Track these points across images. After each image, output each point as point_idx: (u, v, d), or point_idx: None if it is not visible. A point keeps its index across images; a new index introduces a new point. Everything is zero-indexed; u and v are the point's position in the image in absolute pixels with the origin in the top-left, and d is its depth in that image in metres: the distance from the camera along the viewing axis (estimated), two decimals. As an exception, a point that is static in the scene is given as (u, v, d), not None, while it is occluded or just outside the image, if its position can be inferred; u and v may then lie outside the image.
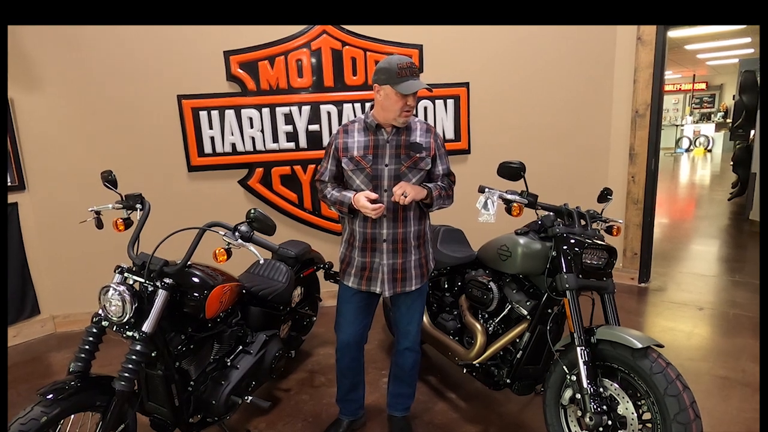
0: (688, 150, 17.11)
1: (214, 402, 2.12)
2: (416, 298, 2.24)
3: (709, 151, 16.69)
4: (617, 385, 1.89)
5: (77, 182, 3.64)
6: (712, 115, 18.39)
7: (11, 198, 3.55)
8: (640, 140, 4.15)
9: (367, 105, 2.18)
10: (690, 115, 18.38)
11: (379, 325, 3.49)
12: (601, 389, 1.89)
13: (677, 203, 8.31)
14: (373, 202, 2.00)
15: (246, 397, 2.21)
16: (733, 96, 8.74)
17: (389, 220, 2.09)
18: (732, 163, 8.05)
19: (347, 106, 3.81)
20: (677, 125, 17.84)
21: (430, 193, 2.07)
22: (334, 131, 2.19)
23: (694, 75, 17.96)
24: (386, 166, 2.06)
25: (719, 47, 12.22)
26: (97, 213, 2.18)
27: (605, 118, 4.24)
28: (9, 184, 3.52)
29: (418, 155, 2.09)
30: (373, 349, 3.25)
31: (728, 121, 16.60)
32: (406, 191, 1.96)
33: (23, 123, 3.54)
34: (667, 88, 7.60)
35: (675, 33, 9.70)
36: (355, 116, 3.74)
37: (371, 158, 2.07)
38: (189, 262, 1.99)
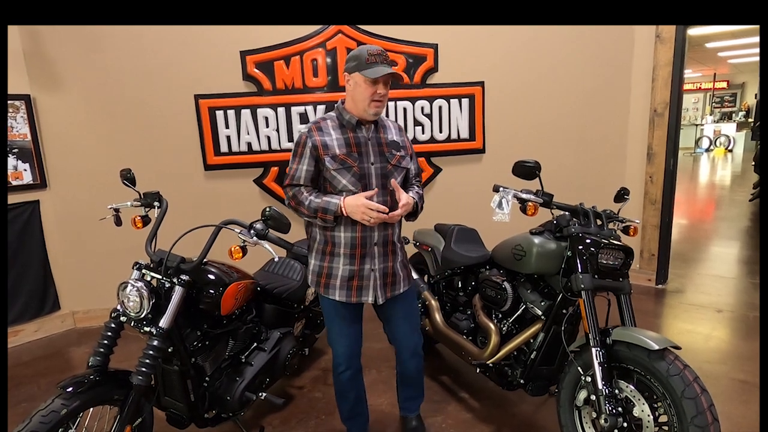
0: (708, 150, 16.82)
1: (228, 398, 2.15)
2: (410, 303, 2.17)
3: (730, 151, 16.37)
4: (633, 387, 1.87)
5: (97, 180, 3.71)
6: (734, 115, 18.04)
7: (33, 196, 3.63)
8: (659, 140, 4.09)
9: (339, 100, 2.11)
10: (710, 115, 18.04)
11: (392, 324, 3.49)
12: (617, 391, 1.86)
13: (697, 204, 8.16)
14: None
15: (260, 394, 2.24)
16: (756, 95, 8.56)
17: (380, 222, 1.93)
18: (753, 163, 7.91)
19: (362, 106, 3.81)
20: (697, 125, 17.54)
21: (416, 205, 2.03)
22: (303, 128, 1.99)
23: (715, 73, 17.64)
24: (372, 164, 1.95)
25: (741, 45, 11.97)
26: (116, 210, 2.22)
27: (622, 117, 4.19)
28: (30, 182, 3.60)
29: (399, 154, 2.03)
30: (385, 347, 3.25)
31: (750, 120, 16.29)
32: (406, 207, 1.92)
33: (45, 122, 3.62)
34: (686, 86, 7.47)
35: (695, 31, 9.52)
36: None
37: (356, 156, 1.93)
38: (205, 260, 2.02)
